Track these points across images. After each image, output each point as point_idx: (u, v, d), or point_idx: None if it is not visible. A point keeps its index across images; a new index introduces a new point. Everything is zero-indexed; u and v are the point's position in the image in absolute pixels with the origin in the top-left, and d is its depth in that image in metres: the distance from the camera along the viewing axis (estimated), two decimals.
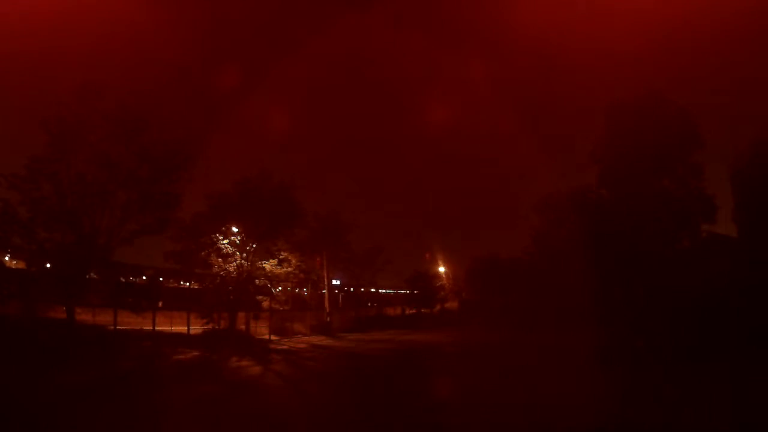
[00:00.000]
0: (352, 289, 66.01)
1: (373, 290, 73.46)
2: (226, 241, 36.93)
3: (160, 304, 54.67)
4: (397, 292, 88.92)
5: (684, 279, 31.55)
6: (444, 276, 72.92)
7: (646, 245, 34.93)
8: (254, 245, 38.38)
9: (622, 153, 37.64)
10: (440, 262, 72.79)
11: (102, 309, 33.01)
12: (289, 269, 40.16)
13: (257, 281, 38.72)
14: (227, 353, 29.00)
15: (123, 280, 35.05)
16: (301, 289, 45.70)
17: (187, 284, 53.62)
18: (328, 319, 46.94)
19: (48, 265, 30.81)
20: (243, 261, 37.64)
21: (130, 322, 33.76)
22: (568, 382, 18.37)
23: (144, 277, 43.91)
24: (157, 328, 35.07)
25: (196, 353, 28.51)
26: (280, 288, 39.86)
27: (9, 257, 34.54)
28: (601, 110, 39.48)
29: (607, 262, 36.37)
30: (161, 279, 54.23)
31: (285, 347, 34.56)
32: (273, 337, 39.01)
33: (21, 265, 32.86)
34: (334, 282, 54.86)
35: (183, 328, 36.52)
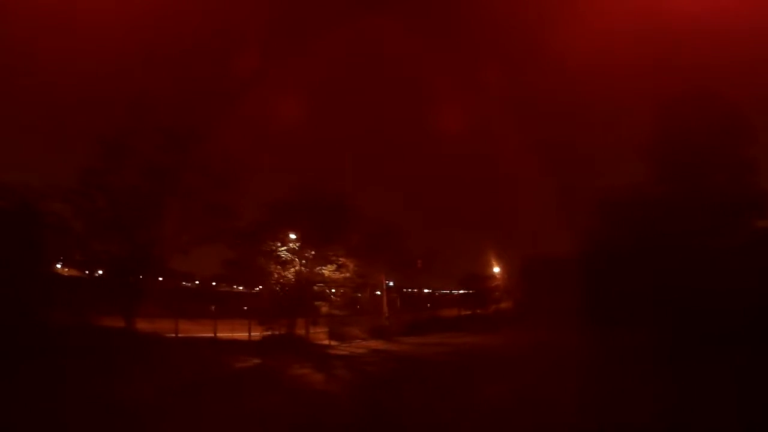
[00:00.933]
0: (406, 289, 65.68)
1: (426, 290, 73.03)
2: (284, 249, 37.30)
3: (213, 308, 55.59)
4: (450, 292, 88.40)
5: (739, 276, 30.99)
6: (498, 276, 72.21)
7: (701, 242, 34.35)
8: (312, 252, 38.62)
9: (674, 149, 37.18)
10: (494, 262, 72.11)
11: (160, 316, 33.37)
12: (347, 274, 40.16)
13: (315, 287, 38.85)
14: (288, 360, 28.94)
15: (183, 285, 35.61)
16: (358, 293, 45.61)
17: (243, 289, 53.94)
18: (386, 323, 46.87)
19: (101, 272, 31.32)
20: (302, 267, 37.93)
21: (189, 329, 34.19)
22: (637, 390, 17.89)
23: (197, 282, 44.37)
24: (218, 334, 35.57)
25: (257, 360, 28.57)
26: (337, 292, 39.81)
27: (61, 265, 35.13)
28: (649, 107, 39.05)
29: (663, 261, 35.74)
30: (214, 284, 55.09)
31: (344, 352, 34.58)
32: (332, 342, 39.07)
33: (73, 272, 33.47)
34: (388, 283, 54.65)
35: (243, 335, 36.78)
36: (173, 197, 30.51)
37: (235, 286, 58.09)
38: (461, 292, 73.62)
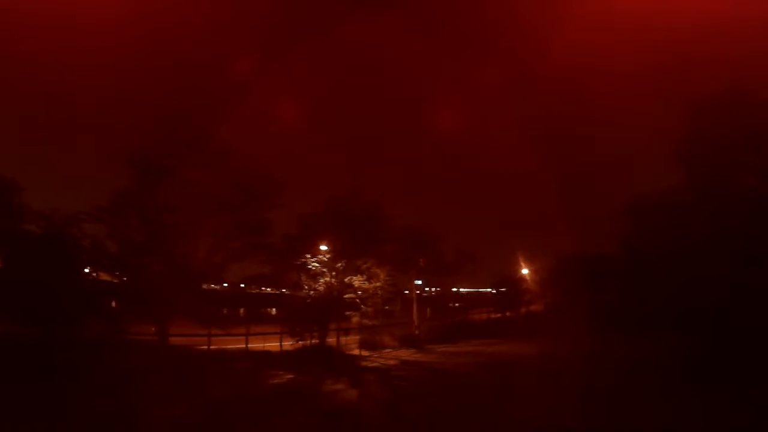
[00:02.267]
0: (435, 289, 65.37)
1: (455, 289, 72.59)
2: (315, 261, 37.64)
3: (242, 311, 55.86)
4: (479, 291, 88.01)
5: None
6: (529, 278, 71.76)
7: (733, 246, 33.90)
8: (343, 263, 38.86)
9: (704, 151, 36.75)
10: (525, 264, 71.66)
11: (192, 324, 33.56)
12: (378, 284, 40.33)
13: (346, 297, 38.95)
14: (320, 374, 29.20)
15: (212, 288, 35.96)
16: (389, 302, 45.62)
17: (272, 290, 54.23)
18: (417, 332, 46.86)
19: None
20: (332, 279, 38.15)
21: (221, 340, 34.38)
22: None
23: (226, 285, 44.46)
24: (249, 345, 35.74)
25: (290, 375, 28.58)
26: (367, 302, 39.83)
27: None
28: (680, 108, 38.64)
29: (695, 267, 35.30)
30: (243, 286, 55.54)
31: (376, 364, 34.56)
32: (363, 353, 39.25)
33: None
34: (417, 282, 54.54)
35: (275, 345, 37.07)
36: (207, 214, 30.75)
37: (264, 288, 58.27)
38: (492, 291, 73.50)
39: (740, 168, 36.28)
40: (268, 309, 56.39)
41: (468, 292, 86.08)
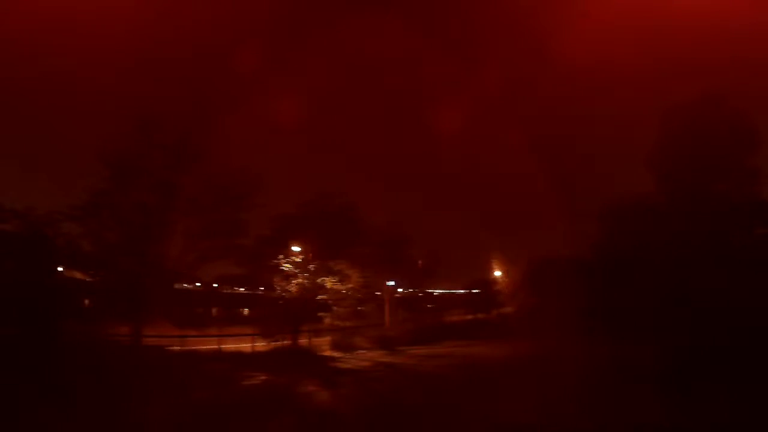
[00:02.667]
0: (409, 290, 65.60)
1: (430, 291, 72.82)
2: (288, 263, 37.73)
3: (215, 310, 55.74)
4: (452, 293, 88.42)
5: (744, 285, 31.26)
6: (501, 280, 72.21)
7: (704, 249, 34.55)
8: (315, 264, 38.98)
9: (678, 158, 37.39)
10: (497, 266, 72.13)
11: (165, 323, 33.52)
12: (350, 285, 40.49)
13: (319, 298, 39.13)
14: (294, 375, 29.22)
15: (185, 287, 35.94)
16: (361, 303, 45.77)
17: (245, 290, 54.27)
18: (390, 334, 47.03)
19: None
20: (304, 280, 38.23)
21: (194, 341, 34.35)
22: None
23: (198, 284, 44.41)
24: (223, 346, 35.80)
25: (263, 377, 28.74)
26: (340, 303, 40.01)
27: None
28: (655, 115, 39.39)
29: (666, 271, 35.96)
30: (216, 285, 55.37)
31: (349, 366, 34.73)
32: (335, 354, 39.27)
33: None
34: (389, 283, 54.85)
35: (248, 346, 37.12)
36: (181, 215, 30.72)
37: (237, 288, 58.27)
38: (465, 291, 73.86)
39: (712, 175, 36.98)
40: (242, 309, 56.30)
41: (442, 294, 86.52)
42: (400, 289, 63.57)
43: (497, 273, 70.61)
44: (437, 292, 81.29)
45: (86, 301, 33.13)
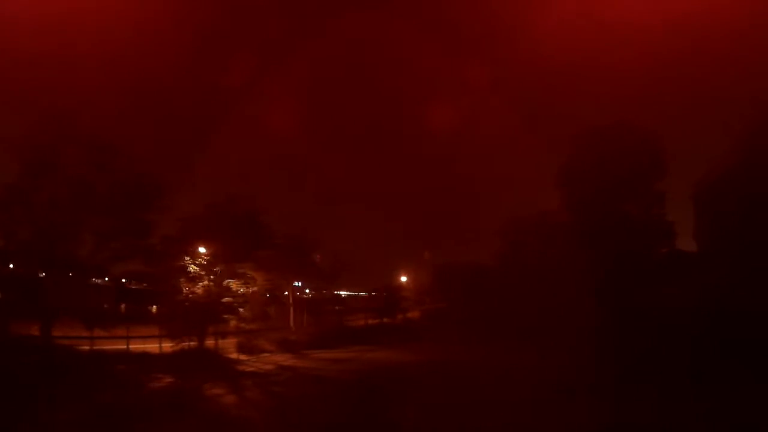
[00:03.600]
0: (314, 291, 66.42)
1: (336, 292, 73.84)
2: (194, 264, 38.40)
3: (123, 306, 55.33)
4: (358, 295, 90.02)
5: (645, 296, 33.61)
6: (408, 285, 73.84)
7: (608, 266, 36.83)
8: (221, 267, 39.77)
9: (585, 178, 39.69)
10: (405, 272, 73.93)
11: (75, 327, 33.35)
12: (255, 288, 41.67)
13: (224, 300, 39.71)
14: (199, 379, 29.77)
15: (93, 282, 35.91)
16: (266, 306, 46.56)
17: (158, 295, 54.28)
18: (294, 337, 47.86)
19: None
20: (210, 283, 38.94)
21: (102, 340, 34.43)
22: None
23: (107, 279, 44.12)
24: (130, 346, 36.14)
25: (170, 379, 29.34)
26: (245, 306, 40.71)
27: None
28: (563, 137, 41.69)
29: (562, 284, 38.30)
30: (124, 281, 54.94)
31: (253, 369, 35.62)
32: (241, 357, 40.00)
33: None
34: (295, 284, 56.03)
35: (155, 346, 37.57)
36: (92, 214, 30.60)
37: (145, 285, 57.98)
38: (372, 295, 75.27)
39: (619, 195, 39.41)
40: (149, 306, 56.06)
41: (348, 297, 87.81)
42: (307, 291, 64.85)
43: (404, 278, 72.59)
44: (344, 293, 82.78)
45: None
